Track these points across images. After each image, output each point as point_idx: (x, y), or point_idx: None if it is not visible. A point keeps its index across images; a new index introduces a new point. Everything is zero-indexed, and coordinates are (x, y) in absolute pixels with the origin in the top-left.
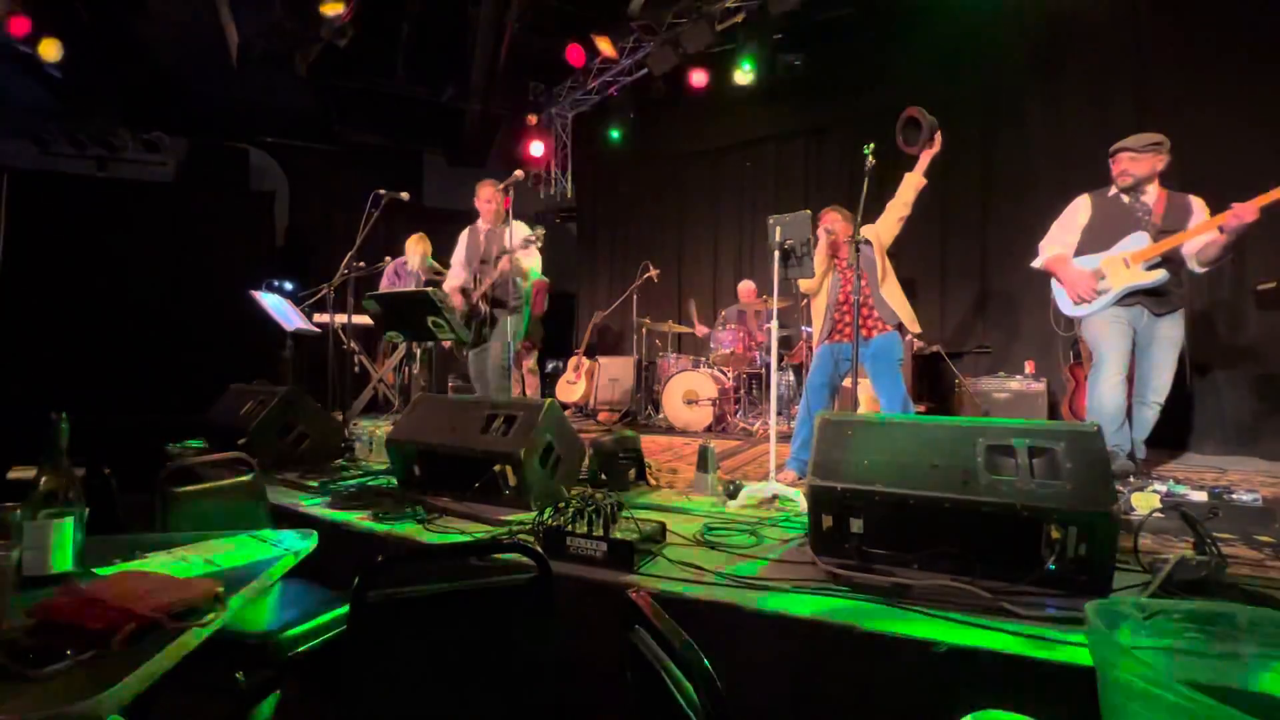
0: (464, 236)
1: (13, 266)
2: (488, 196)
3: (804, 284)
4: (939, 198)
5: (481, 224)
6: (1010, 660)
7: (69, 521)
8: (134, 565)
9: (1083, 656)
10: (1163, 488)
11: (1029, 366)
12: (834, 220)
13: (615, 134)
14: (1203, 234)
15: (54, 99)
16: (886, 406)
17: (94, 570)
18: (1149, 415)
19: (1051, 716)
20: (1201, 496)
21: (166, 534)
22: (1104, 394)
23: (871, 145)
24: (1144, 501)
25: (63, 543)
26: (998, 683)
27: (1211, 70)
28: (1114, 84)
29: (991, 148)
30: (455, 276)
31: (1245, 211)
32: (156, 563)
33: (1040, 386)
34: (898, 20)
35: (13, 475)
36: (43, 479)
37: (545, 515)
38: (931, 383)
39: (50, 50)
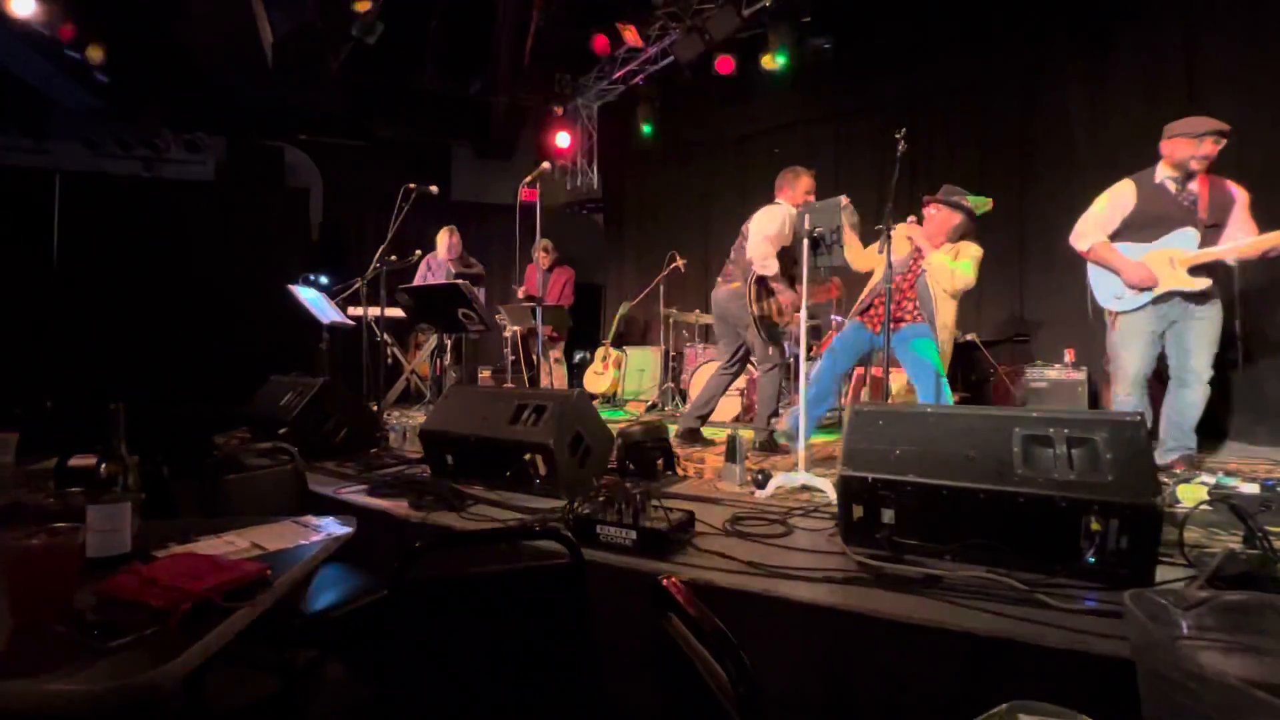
0: (786, 218)
1: (67, 264)
2: (809, 186)
3: (854, 262)
4: (976, 182)
5: (793, 209)
6: (1046, 652)
7: (128, 506)
8: (187, 548)
9: (1121, 648)
10: (1211, 479)
11: (1069, 355)
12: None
13: (642, 124)
14: (1249, 253)
15: (102, 103)
16: (922, 396)
17: (152, 552)
18: (1194, 396)
19: (1088, 708)
20: (1253, 489)
21: (215, 519)
22: (1120, 405)
23: (904, 130)
24: (1190, 493)
25: (123, 526)
26: (1033, 674)
27: (1274, 39)
28: (1165, 55)
29: (1030, 128)
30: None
31: None
32: (207, 546)
33: (1080, 375)
34: None
35: (74, 463)
36: (103, 466)
37: (576, 504)
38: (967, 372)
39: (97, 54)
